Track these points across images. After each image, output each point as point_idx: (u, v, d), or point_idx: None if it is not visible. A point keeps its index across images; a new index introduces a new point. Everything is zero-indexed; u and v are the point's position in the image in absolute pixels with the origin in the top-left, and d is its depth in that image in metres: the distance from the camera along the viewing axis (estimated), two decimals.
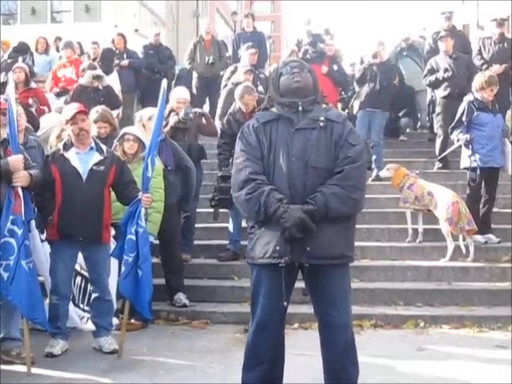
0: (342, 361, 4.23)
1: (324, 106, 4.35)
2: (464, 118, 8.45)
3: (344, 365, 4.24)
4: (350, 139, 4.21)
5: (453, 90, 10.32)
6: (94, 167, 5.96)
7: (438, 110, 10.78)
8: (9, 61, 12.52)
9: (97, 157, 6.01)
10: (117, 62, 12.21)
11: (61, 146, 6.09)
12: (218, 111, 10.58)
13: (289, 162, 4.14)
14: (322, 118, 4.21)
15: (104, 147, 6.17)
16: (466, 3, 27.62)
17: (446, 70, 10.49)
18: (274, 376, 4.32)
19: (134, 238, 5.85)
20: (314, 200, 4.07)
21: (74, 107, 6.19)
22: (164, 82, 6.15)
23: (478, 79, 8.59)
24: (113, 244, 6.32)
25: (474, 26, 25.53)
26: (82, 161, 5.97)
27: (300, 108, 4.25)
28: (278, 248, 4.12)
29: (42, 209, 6.00)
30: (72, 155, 5.98)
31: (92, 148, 6.05)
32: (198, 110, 8.86)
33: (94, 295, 6.20)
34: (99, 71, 10.47)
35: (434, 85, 10.84)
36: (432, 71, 10.74)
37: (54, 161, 5.91)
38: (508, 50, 11.07)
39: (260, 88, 10.06)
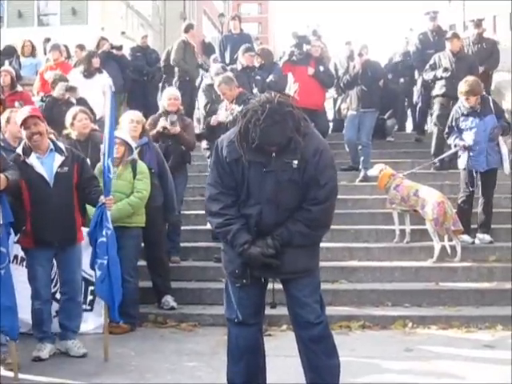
0: (316, 355, 4.26)
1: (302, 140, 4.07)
2: (454, 123, 8.47)
3: (319, 359, 4.26)
4: (322, 179, 4.11)
5: (448, 90, 10.22)
6: (58, 170, 5.84)
7: (434, 108, 10.79)
8: None
9: (58, 158, 5.88)
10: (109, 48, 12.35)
11: (20, 151, 5.91)
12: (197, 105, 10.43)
13: (260, 204, 4.15)
14: (296, 162, 4.08)
15: (63, 146, 6.04)
16: (453, 3, 27.71)
17: (445, 70, 10.40)
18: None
19: (105, 240, 5.86)
20: (279, 236, 4.13)
21: (26, 111, 5.99)
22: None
23: (460, 86, 8.53)
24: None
25: (461, 26, 25.61)
26: (46, 165, 5.84)
27: (273, 154, 4.09)
28: (236, 271, 4.25)
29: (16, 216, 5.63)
30: (34, 161, 5.83)
31: (52, 150, 5.90)
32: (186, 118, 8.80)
33: (63, 297, 6.09)
34: (72, 83, 10.19)
35: (432, 81, 10.77)
36: (434, 67, 10.62)
37: (18, 169, 5.67)
38: (487, 50, 11.10)
39: (255, 90, 9.93)
